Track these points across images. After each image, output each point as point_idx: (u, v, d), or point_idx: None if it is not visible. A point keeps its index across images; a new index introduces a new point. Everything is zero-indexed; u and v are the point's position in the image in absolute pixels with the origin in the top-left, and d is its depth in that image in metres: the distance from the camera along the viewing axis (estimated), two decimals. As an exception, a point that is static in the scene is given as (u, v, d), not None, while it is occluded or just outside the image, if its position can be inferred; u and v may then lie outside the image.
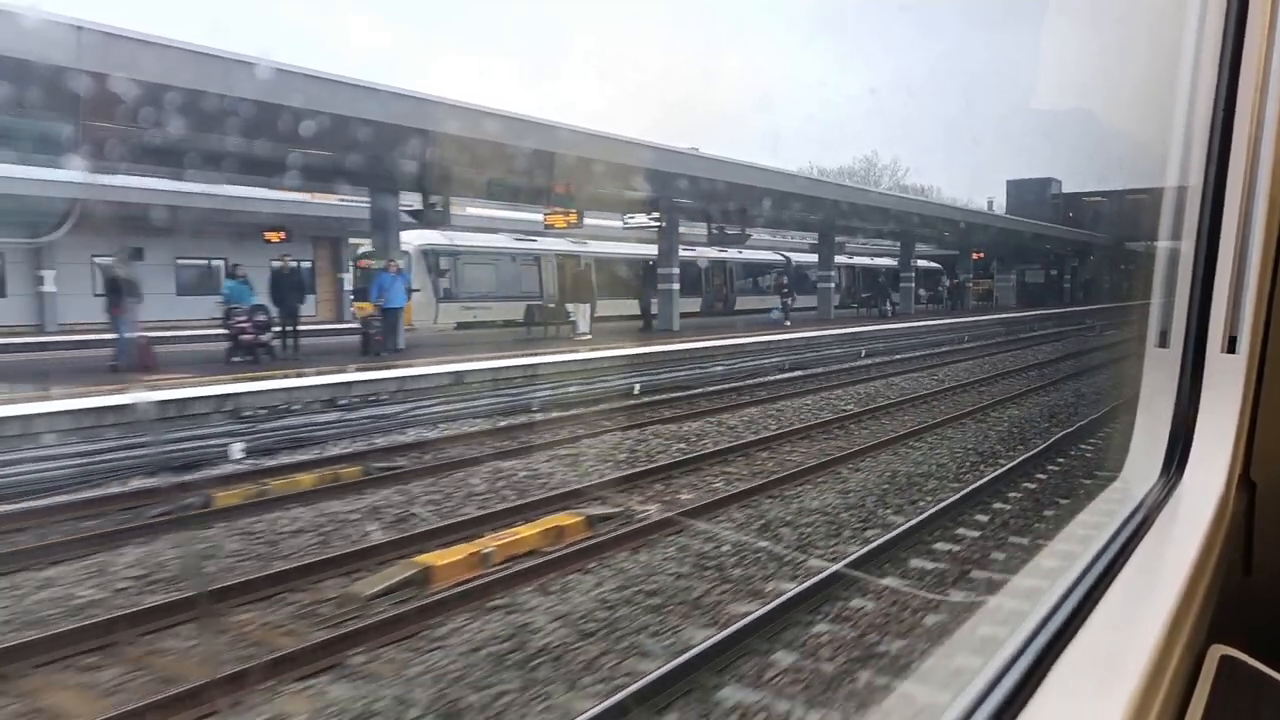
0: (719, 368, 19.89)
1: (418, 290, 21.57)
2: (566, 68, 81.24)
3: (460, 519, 7.71)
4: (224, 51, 12.29)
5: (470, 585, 6.06)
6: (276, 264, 19.86)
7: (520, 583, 6.36)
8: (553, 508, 7.96)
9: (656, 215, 24.20)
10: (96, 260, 26.15)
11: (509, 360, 16.66)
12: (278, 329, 17.74)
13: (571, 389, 15.74)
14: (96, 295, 20.09)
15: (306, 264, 26.62)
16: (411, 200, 20.83)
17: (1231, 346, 1.94)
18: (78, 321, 23.95)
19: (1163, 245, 2.19)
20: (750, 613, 5.54)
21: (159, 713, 4.35)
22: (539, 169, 17.83)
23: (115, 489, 9.07)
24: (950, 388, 17.65)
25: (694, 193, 22.46)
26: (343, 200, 27.19)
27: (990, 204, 48.28)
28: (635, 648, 5.34)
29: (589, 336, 23.36)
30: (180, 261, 26.86)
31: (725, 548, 7.22)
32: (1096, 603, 1.34)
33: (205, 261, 26.75)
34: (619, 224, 25.86)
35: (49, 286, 26.13)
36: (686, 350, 20.69)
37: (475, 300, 24.68)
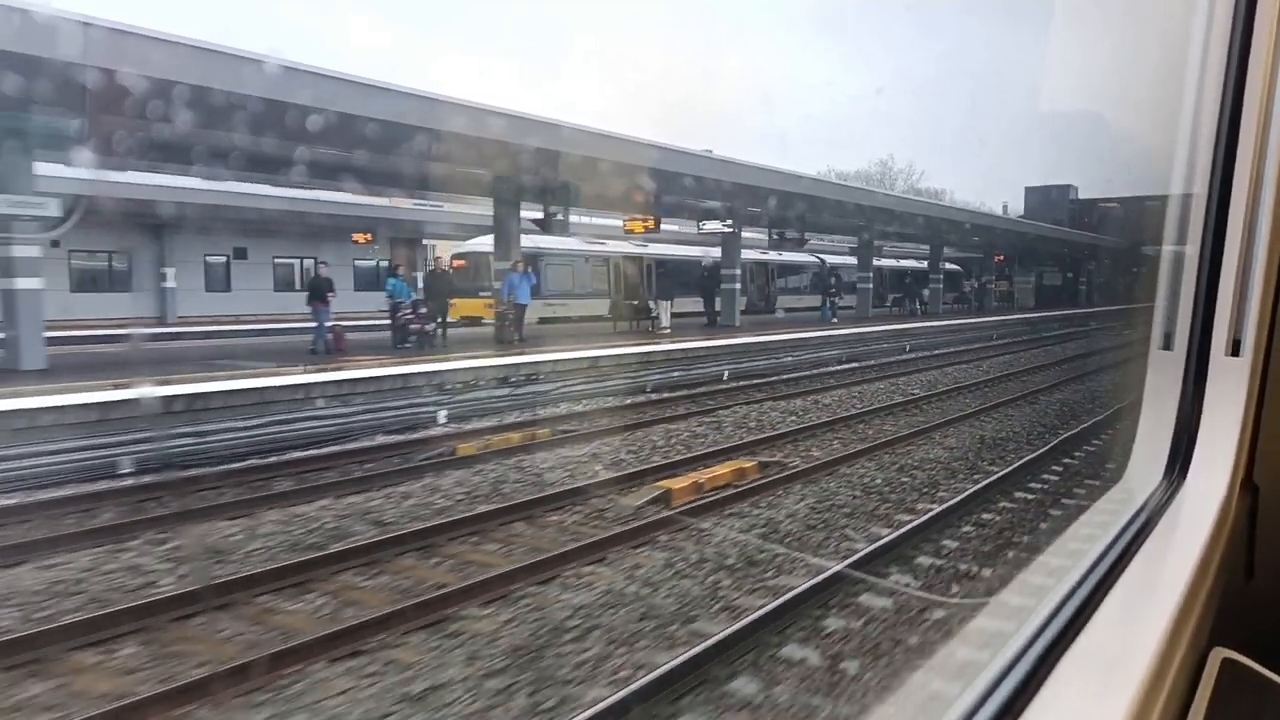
0: (788, 358, 22.02)
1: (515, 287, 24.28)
2: (568, 67, 79.18)
3: (657, 463, 10.10)
4: (359, 78, 13.72)
5: (700, 502, 8.61)
6: (430, 265, 24.92)
7: (739, 501, 8.76)
8: (723, 457, 10.56)
9: (730, 222, 26.56)
10: (208, 259, 28.53)
11: (618, 349, 19.68)
12: (435, 321, 21.38)
13: (675, 373, 18.03)
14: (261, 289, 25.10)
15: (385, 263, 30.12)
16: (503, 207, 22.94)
17: (1235, 349, 1.84)
18: (191, 315, 26.11)
19: (1168, 248, 2.08)
20: (912, 520, 8.04)
21: (551, 567, 6.71)
22: (622, 180, 19.83)
23: (381, 440, 11.51)
24: (996, 378, 19.55)
25: (754, 200, 24.80)
26: (416, 205, 29.27)
27: (1005, 208, 49.39)
28: (848, 536, 7.85)
29: (669, 330, 25.13)
30: (276, 260, 29.55)
31: (877, 481, 9.83)
32: (1099, 605, 1.28)
33: (296, 260, 29.79)
34: (674, 229, 28.59)
35: (170, 283, 27.56)
36: (754, 343, 23.12)
37: (555, 298, 26.53)
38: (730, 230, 27.23)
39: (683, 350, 20.87)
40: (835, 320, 31.36)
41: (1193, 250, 1.98)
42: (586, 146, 17.63)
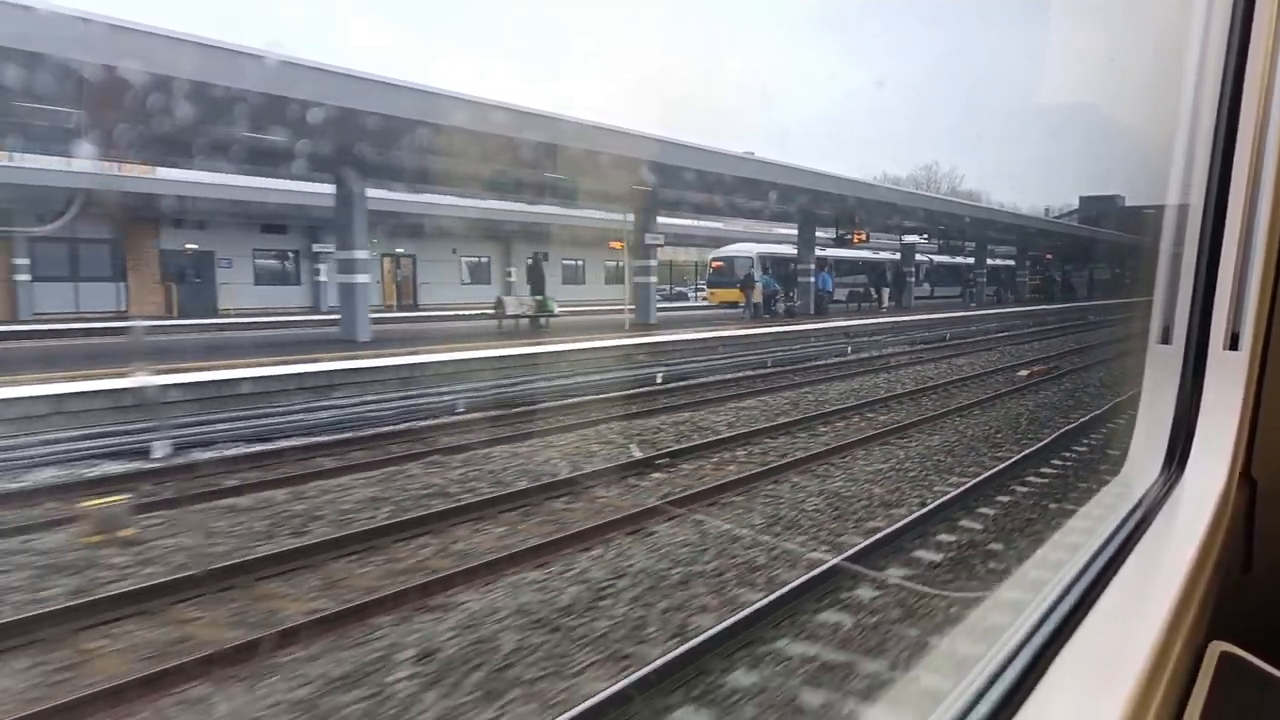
0: (990, 324, 29.88)
1: (756, 282, 29.68)
2: (570, 65, 75.44)
3: (1009, 364, 18.10)
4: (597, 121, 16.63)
5: (1045, 377, 16.58)
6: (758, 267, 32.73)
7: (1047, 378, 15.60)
8: (1025, 366, 17.38)
9: (926, 232, 36.29)
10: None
11: (880, 319, 27.24)
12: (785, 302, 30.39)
13: (901, 334, 25.16)
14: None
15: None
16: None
17: (1234, 343, 1.78)
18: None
19: (1166, 242, 1.98)
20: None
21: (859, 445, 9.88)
22: (853, 208, 27.26)
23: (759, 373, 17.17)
24: (1068, 351, 22.38)
25: (909, 215, 31.87)
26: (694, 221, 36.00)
27: (1047, 210, 52.66)
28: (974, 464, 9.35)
29: (886, 307, 34.85)
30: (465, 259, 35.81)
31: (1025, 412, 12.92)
32: (1097, 599, 1.25)
33: (482, 259, 35.49)
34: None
35: (322, 277, 30.94)
36: (947, 317, 29.64)
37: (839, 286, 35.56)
38: (908, 240, 37.18)
39: (914, 319, 28.21)
40: (974, 305, 38.66)
41: (1191, 244, 1.89)
42: (851, 189, 25.57)
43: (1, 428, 8.80)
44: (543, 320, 20.41)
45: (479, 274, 35.12)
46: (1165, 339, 2.00)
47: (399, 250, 32.92)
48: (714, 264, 33.88)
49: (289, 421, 10.68)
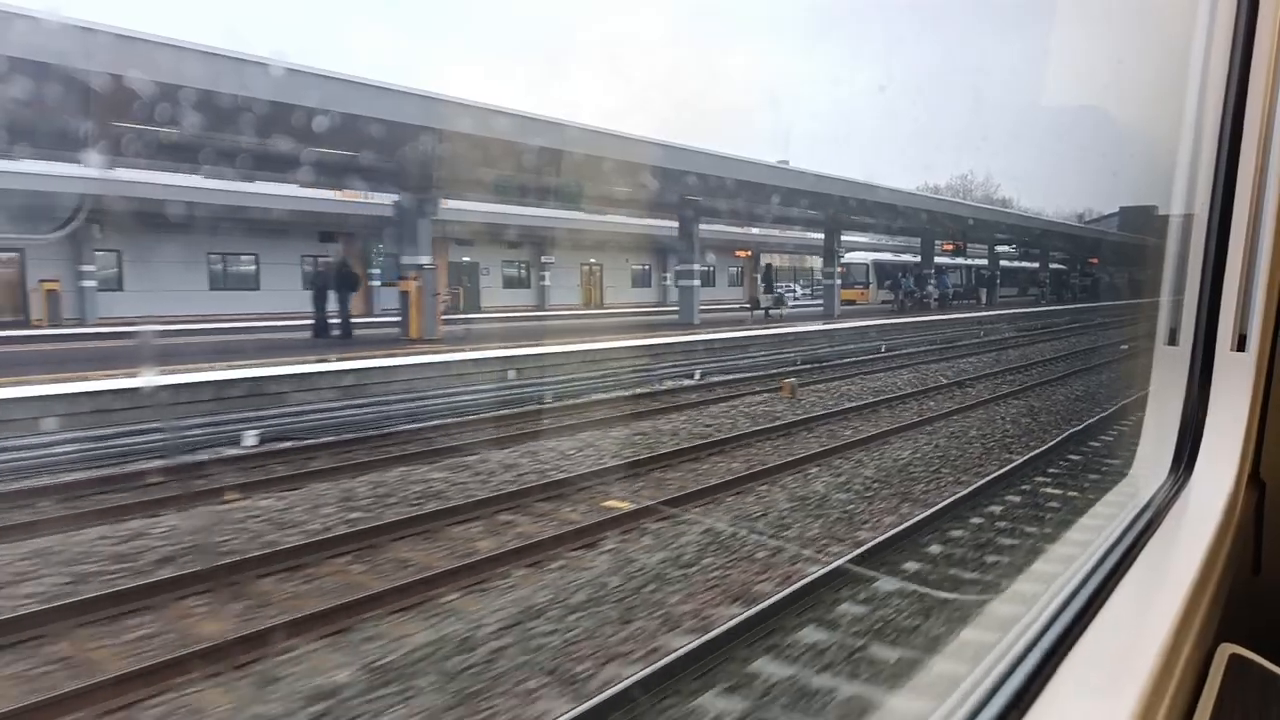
0: (1067, 318, 32.41)
1: (869, 284, 34.70)
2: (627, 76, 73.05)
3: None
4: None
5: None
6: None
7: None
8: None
9: (1014, 242, 40.76)
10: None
11: (980, 313, 31.16)
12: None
13: (1011, 323, 28.07)
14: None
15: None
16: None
17: (1241, 345, 1.71)
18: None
19: (1173, 242, 1.92)
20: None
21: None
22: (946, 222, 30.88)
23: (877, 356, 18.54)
24: (1140, 336, 26.41)
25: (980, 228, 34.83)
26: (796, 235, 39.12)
27: (1080, 217, 52.30)
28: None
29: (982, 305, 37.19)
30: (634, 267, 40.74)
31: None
32: (1105, 601, 1.21)
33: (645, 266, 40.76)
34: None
35: (546, 282, 35.61)
36: (1032, 311, 33.31)
37: (883, 289, 37.19)
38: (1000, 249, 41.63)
39: (1011, 313, 31.88)
40: (1044, 302, 42.29)
41: (1197, 246, 1.79)
42: (953, 209, 30.51)
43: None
44: (781, 311, 26.66)
45: (642, 279, 40.84)
46: (1172, 340, 1.91)
47: (592, 260, 37.51)
48: (840, 269, 37.51)
49: (716, 363, 16.07)
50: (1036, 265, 46.44)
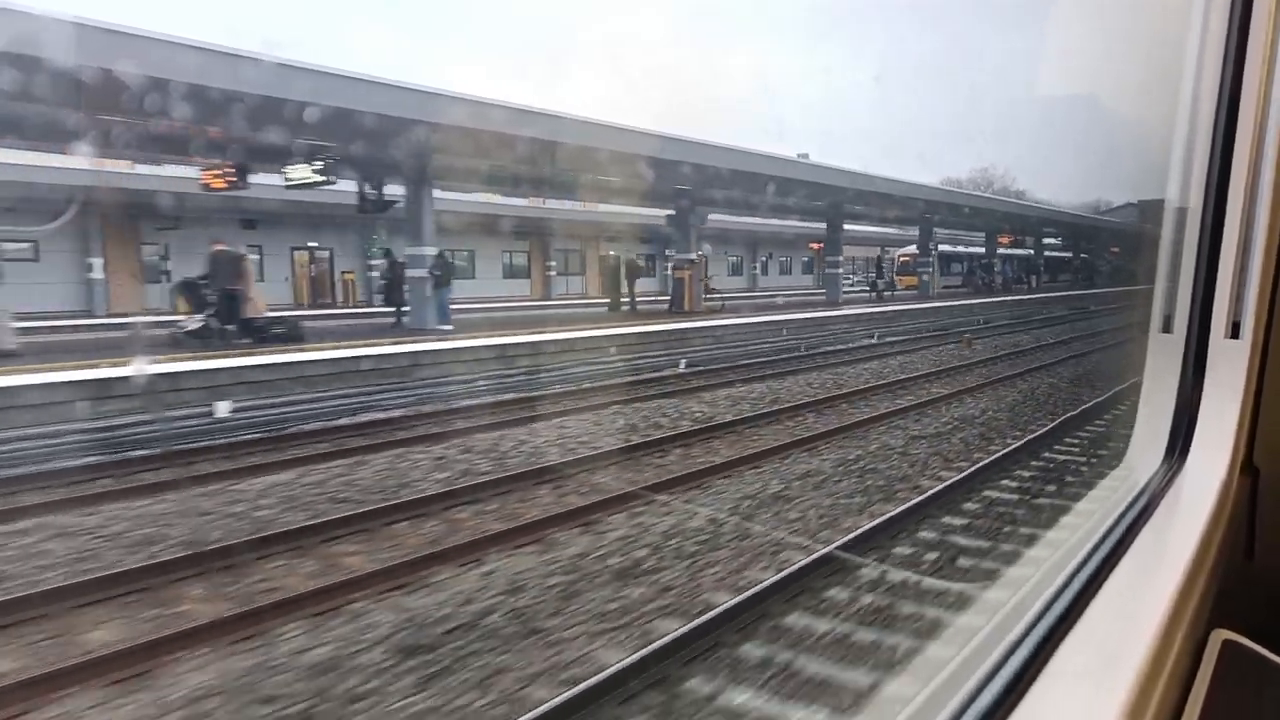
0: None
1: (933, 271, 35.50)
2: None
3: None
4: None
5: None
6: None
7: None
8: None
9: (1060, 235, 43.64)
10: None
11: (1022, 296, 33.97)
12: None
13: (1061, 304, 30.97)
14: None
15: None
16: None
17: (1235, 332, 1.67)
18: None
19: (1168, 228, 1.86)
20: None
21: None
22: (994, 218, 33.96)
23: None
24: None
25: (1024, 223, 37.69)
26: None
27: (1096, 208, 52.00)
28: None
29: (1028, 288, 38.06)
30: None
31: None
32: (1099, 588, 1.20)
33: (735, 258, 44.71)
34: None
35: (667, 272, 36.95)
36: (1057, 296, 35.77)
37: (945, 275, 39.74)
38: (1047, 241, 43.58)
39: (1057, 295, 35.49)
40: (1078, 287, 44.25)
41: (1192, 233, 1.73)
42: (1003, 205, 34.64)
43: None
44: (891, 292, 31.60)
45: (737, 269, 45.38)
46: (1166, 328, 1.83)
47: (782, 256, 45.15)
48: (901, 258, 41.67)
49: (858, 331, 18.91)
50: (1070, 254, 50.52)
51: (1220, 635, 1.34)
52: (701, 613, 3.84)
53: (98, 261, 21.78)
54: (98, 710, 3.28)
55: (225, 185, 13.97)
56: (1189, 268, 1.77)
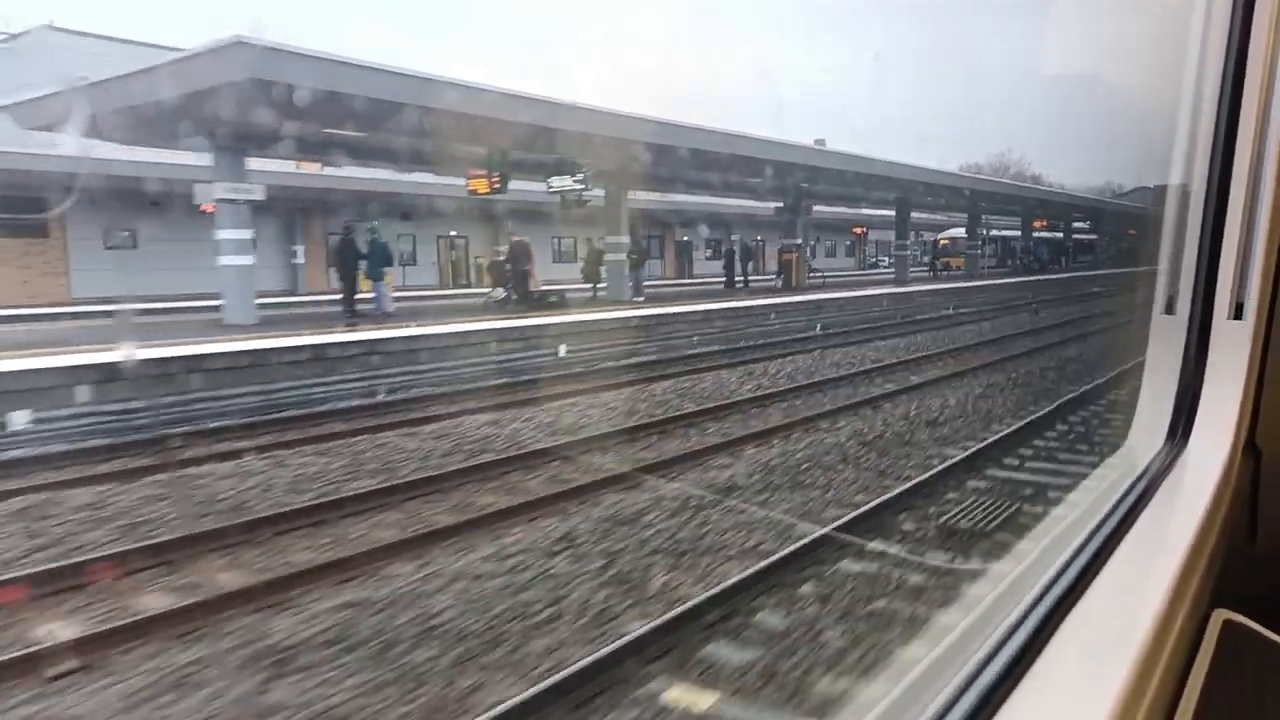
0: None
1: (965, 254, 36.92)
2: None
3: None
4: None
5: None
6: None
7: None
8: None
9: (1088, 219, 45.14)
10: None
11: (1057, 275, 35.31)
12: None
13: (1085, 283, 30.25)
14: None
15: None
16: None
17: (1238, 313, 1.65)
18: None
19: (1171, 209, 1.83)
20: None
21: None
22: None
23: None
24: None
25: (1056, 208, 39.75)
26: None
27: (1112, 191, 53.31)
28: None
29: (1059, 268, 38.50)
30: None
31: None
32: (1101, 568, 1.19)
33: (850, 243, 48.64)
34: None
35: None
36: (1086, 275, 36.18)
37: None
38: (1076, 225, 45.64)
39: (1087, 275, 36.42)
40: (1102, 267, 44.37)
41: (1195, 214, 1.69)
42: (1035, 194, 37.40)
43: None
44: (947, 272, 34.13)
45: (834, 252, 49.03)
46: (1169, 309, 1.78)
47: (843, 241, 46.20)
48: (941, 242, 44.18)
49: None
50: (1095, 236, 53.64)
51: (1221, 615, 1.31)
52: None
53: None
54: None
55: (488, 189, 17.64)
56: (1192, 249, 1.72)
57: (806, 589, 3.89)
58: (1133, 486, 1.55)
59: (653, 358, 11.33)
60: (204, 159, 13.86)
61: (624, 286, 18.94)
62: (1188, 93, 1.72)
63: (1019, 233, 41.39)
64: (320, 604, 3.83)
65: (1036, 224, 40.00)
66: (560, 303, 16.59)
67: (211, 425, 7.34)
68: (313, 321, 13.00)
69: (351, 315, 13.84)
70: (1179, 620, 1.10)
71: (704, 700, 3.07)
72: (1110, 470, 1.94)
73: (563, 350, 11.87)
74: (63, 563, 4.17)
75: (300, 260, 24.19)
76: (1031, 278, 32.63)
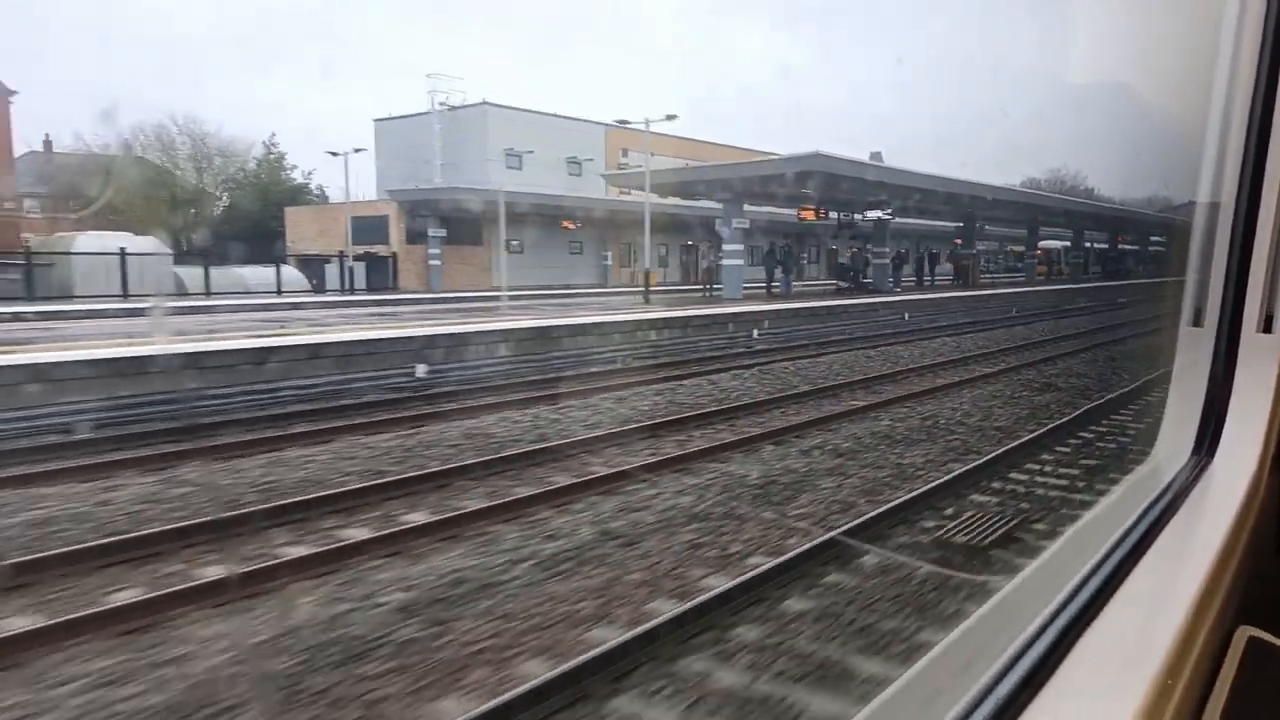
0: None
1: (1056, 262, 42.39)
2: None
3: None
4: None
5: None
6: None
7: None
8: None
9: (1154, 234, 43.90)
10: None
11: (1114, 282, 36.96)
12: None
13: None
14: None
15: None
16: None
17: (1268, 326, 1.60)
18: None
19: (1200, 218, 1.79)
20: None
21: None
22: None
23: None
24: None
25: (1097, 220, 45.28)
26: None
27: (1155, 206, 50.50)
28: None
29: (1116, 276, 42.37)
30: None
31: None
32: (1123, 581, 1.18)
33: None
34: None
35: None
36: (1145, 282, 37.44)
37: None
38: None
39: (1138, 283, 37.56)
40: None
41: (1225, 224, 1.63)
42: (1120, 211, 43.43)
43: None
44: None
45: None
46: (1197, 321, 1.73)
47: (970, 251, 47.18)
48: (1039, 251, 47.51)
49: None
50: (1138, 247, 57.08)
51: (1246, 632, 1.29)
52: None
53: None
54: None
55: (814, 217, 27.47)
56: (1221, 260, 1.67)
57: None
58: (1157, 499, 1.53)
59: (919, 326, 17.46)
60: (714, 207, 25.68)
61: (885, 280, 28.81)
62: (1218, 99, 1.67)
63: (1106, 245, 49.08)
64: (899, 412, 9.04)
65: (1120, 238, 46.97)
66: (871, 289, 22.59)
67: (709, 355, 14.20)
68: (752, 299, 22.39)
69: (768, 294, 24.81)
70: (1202, 636, 1.09)
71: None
72: (1127, 484, 1.85)
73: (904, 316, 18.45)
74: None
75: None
76: (1122, 281, 37.67)
